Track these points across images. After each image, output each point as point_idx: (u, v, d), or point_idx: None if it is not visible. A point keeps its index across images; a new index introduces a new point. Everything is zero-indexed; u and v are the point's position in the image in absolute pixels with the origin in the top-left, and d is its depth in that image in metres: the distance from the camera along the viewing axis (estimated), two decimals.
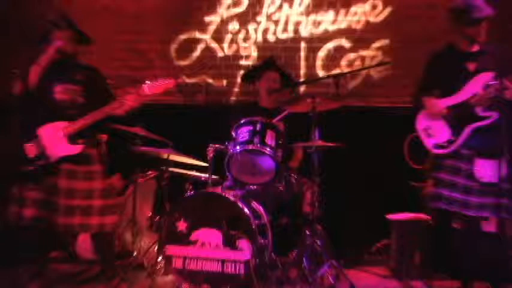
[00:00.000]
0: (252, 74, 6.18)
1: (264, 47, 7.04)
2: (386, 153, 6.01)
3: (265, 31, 7.04)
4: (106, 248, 4.90)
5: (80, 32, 4.85)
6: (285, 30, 7.03)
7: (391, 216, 5.59)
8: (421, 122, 4.79)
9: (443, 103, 4.62)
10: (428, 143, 4.71)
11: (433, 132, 4.70)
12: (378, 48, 6.89)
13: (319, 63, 6.94)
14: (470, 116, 4.51)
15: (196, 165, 5.74)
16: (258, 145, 4.92)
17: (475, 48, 4.63)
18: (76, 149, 4.66)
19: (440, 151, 4.63)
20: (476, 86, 4.50)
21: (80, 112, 4.69)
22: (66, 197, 4.60)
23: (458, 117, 4.56)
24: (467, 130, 4.51)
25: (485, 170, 4.41)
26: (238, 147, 4.96)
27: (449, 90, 4.63)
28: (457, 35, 4.63)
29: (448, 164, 4.60)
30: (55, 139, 4.65)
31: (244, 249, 4.63)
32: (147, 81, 4.69)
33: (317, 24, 6.99)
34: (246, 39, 7.07)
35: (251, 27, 7.06)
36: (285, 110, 5.38)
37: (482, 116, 4.48)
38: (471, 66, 4.60)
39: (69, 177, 4.65)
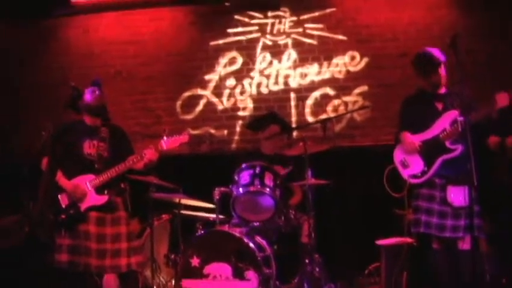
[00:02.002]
0: (257, 125, 6.15)
1: (258, 98, 7.16)
2: (371, 186, 6.01)
3: (259, 85, 7.17)
4: (131, 285, 4.92)
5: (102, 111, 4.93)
6: (276, 83, 7.15)
7: (379, 242, 5.51)
8: (398, 155, 4.82)
9: (417, 138, 4.66)
10: (405, 173, 4.74)
11: (408, 164, 4.73)
12: (359, 94, 6.98)
13: (307, 110, 7.06)
14: (440, 148, 4.56)
15: (204, 207, 5.79)
16: (259, 186, 5.03)
17: (442, 90, 4.70)
18: (103, 199, 4.68)
19: (415, 181, 4.66)
20: (444, 122, 4.57)
21: (105, 166, 4.72)
22: (98, 242, 4.62)
23: (430, 150, 4.60)
24: (438, 161, 4.56)
25: (457, 195, 4.45)
26: (241, 189, 5.06)
27: (421, 127, 4.68)
28: (424, 81, 4.72)
29: (424, 193, 4.63)
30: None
31: (252, 279, 4.73)
32: (164, 137, 4.74)
33: (304, 76, 7.11)
34: (242, 92, 7.20)
35: (246, 82, 7.20)
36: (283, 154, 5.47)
37: (451, 148, 4.53)
38: (439, 106, 4.67)
39: (98, 224, 4.66)
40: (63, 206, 4.68)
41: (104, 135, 4.82)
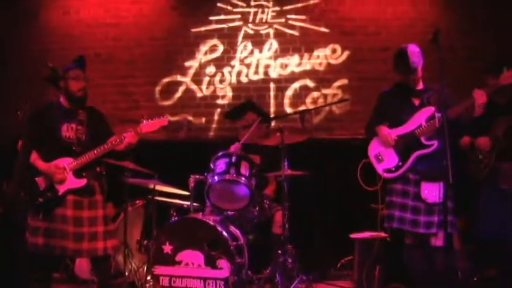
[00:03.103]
0: (234, 114, 6.21)
1: (237, 87, 7.17)
2: (348, 179, 6.01)
3: (239, 73, 7.18)
4: (104, 270, 4.85)
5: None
6: (256, 72, 7.16)
7: (354, 235, 5.58)
8: (373, 149, 4.85)
9: (393, 133, 4.70)
10: (379, 168, 4.77)
11: (383, 158, 4.76)
12: (338, 87, 7.02)
13: (286, 101, 7.09)
14: (415, 144, 4.60)
15: (179, 194, 5.80)
16: (234, 175, 5.02)
17: (420, 86, 4.73)
18: (81, 182, 4.65)
19: (389, 175, 4.69)
20: (421, 118, 4.61)
21: (83, 149, 4.68)
22: (75, 225, 4.58)
23: (405, 145, 4.63)
24: (413, 156, 4.59)
25: (430, 191, 4.48)
26: (216, 177, 5.05)
27: (397, 121, 4.72)
28: (401, 77, 4.74)
29: (398, 189, 4.67)
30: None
31: (224, 268, 4.75)
32: (143, 120, 4.74)
33: (284, 66, 7.13)
34: (221, 81, 7.20)
35: (226, 70, 7.20)
36: (261, 144, 5.49)
37: (426, 144, 4.57)
38: (416, 102, 4.70)
39: (75, 207, 4.62)
40: (41, 189, 4.63)
41: (82, 118, 4.78)
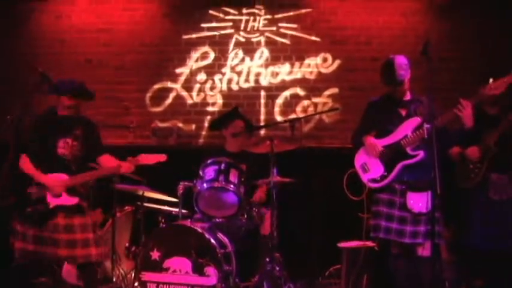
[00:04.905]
0: (219, 123, 6.24)
1: (228, 95, 7.24)
2: (336, 188, 6.00)
3: (229, 81, 7.25)
4: (91, 275, 4.88)
5: (83, 91, 4.88)
6: (246, 80, 7.24)
7: (341, 244, 5.64)
8: (359, 159, 4.91)
9: (379, 143, 4.75)
10: (364, 178, 4.84)
11: (368, 168, 4.82)
12: (329, 96, 7.10)
13: (277, 109, 7.17)
14: (401, 154, 4.65)
15: (168, 200, 5.86)
16: (223, 182, 5.09)
17: (407, 97, 4.81)
18: (73, 200, 4.71)
19: (374, 185, 4.76)
20: (407, 129, 4.66)
21: (78, 166, 4.79)
22: (67, 232, 4.66)
23: (391, 155, 4.68)
24: (398, 167, 4.65)
25: (416, 201, 4.56)
26: (205, 185, 5.12)
27: (384, 131, 4.78)
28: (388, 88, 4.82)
29: (384, 198, 4.72)
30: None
31: (211, 276, 4.81)
32: (142, 154, 4.86)
33: (275, 74, 7.20)
34: (212, 88, 7.26)
35: (217, 77, 7.27)
36: (249, 153, 5.53)
37: (412, 154, 4.62)
38: (403, 112, 4.76)
39: (66, 217, 4.70)
40: (32, 199, 4.68)
41: (77, 133, 4.84)
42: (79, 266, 4.93)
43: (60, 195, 4.69)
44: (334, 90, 7.15)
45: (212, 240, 4.90)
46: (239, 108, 6.45)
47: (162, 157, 4.91)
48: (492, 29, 6.96)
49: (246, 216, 5.39)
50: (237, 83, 7.28)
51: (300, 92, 7.20)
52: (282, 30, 7.26)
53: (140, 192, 5.78)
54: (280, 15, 7.28)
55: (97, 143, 5.01)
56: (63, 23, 7.53)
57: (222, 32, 7.34)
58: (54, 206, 4.68)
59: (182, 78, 7.34)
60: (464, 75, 6.86)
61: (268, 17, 7.30)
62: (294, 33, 7.24)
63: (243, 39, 7.32)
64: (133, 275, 5.20)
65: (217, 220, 5.32)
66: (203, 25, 7.36)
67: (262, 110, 7.23)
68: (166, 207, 5.90)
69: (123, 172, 4.87)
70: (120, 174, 4.96)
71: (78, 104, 4.85)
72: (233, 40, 7.32)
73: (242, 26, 7.33)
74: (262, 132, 7.00)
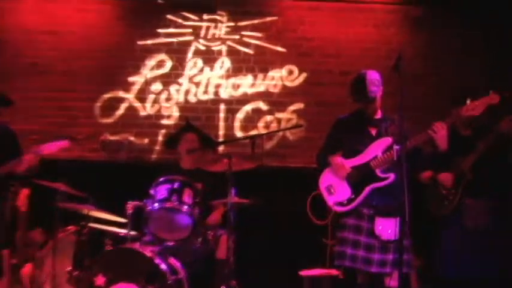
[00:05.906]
0: (172, 140, 6.20)
1: (185, 107, 7.18)
2: (298, 210, 6.05)
3: (187, 92, 7.19)
4: None
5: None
6: (205, 92, 7.19)
7: (303, 272, 5.58)
8: (324, 180, 4.84)
9: (347, 163, 4.69)
10: (330, 200, 4.75)
11: (334, 190, 4.75)
12: (293, 112, 7.12)
13: (237, 124, 7.14)
14: (370, 176, 4.58)
15: (115, 221, 5.71)
16: (176, 203, 5.01)
17: (378, 115, 4.75)
18: None
19: (340, 209, 4.66)
20: (377, 149, 4.60)
21: None
22: None
23: (359, 177, 4.61)
24: (366, 190, 4.57)
25: (385, 228, 4.48)
26: (156, 205, 5.03)
27: (352, 151, 4.71)
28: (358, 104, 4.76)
29: (350, 224, 4.62)
30: None
31: None
32: (45, 144, 4.88)
33: (236, 87, 7.19)
34: (168, 99, 7.20)
35: (173, 88, 7.20)
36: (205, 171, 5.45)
37: (381, 177, 4.55)
38: (373, 131, 4.71)
39: None
40: None
41: None
42: None
43: None
44: (300, 106, 7.16)
45: (162, 266, 4.80)
46: (193, 121, 6.44)
47: (64, 143, 4.95)
48: (470, 42, 7.08)
49: (200, 239, 5.31)
50: (195, 94, 7.21)
51: (263, 106, 7.19)
52: (245, 39, 7.27)
53: (85, 211, 5.60)
54: (243, 23, 7.29)
55: (13, 148, 5.05)
56: (5, 22, 7.32)
57: (181, 38, 7.29)
58: None
59: (136, 88, 7.23)
60: (438, 92, 6.93)
61: (231, 24, 7.31)
62: (258, 42, 7.24)
63: (203, 48, 7.29)
64: None
65: (168, 243, 5.20)
66: (160, 31, 7.30)
67: (222, 124, 7.17)
68: (113, 228, 5.71)
69: (27, 165, 4.84)
70: (26, 168, 4.88)
71: None
72: (192, 48, 7.29)
73: (202, 33, 7.31)
74: (221, 148, 6.98)
